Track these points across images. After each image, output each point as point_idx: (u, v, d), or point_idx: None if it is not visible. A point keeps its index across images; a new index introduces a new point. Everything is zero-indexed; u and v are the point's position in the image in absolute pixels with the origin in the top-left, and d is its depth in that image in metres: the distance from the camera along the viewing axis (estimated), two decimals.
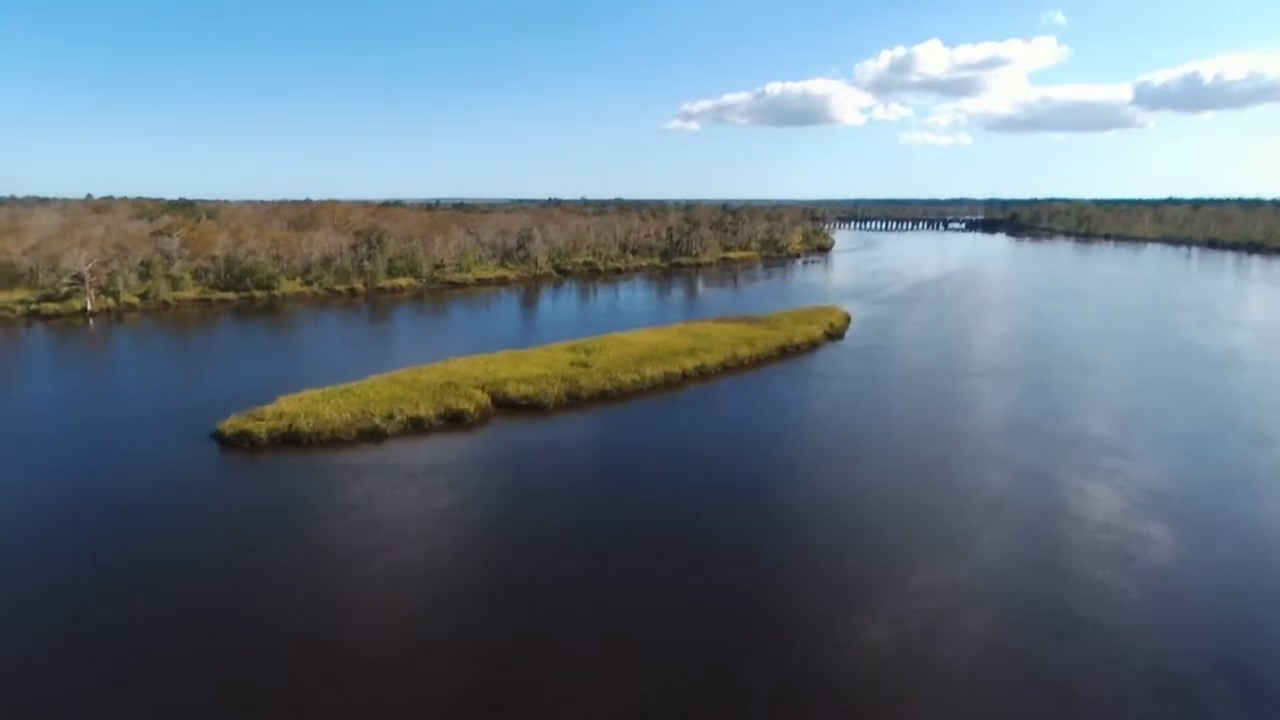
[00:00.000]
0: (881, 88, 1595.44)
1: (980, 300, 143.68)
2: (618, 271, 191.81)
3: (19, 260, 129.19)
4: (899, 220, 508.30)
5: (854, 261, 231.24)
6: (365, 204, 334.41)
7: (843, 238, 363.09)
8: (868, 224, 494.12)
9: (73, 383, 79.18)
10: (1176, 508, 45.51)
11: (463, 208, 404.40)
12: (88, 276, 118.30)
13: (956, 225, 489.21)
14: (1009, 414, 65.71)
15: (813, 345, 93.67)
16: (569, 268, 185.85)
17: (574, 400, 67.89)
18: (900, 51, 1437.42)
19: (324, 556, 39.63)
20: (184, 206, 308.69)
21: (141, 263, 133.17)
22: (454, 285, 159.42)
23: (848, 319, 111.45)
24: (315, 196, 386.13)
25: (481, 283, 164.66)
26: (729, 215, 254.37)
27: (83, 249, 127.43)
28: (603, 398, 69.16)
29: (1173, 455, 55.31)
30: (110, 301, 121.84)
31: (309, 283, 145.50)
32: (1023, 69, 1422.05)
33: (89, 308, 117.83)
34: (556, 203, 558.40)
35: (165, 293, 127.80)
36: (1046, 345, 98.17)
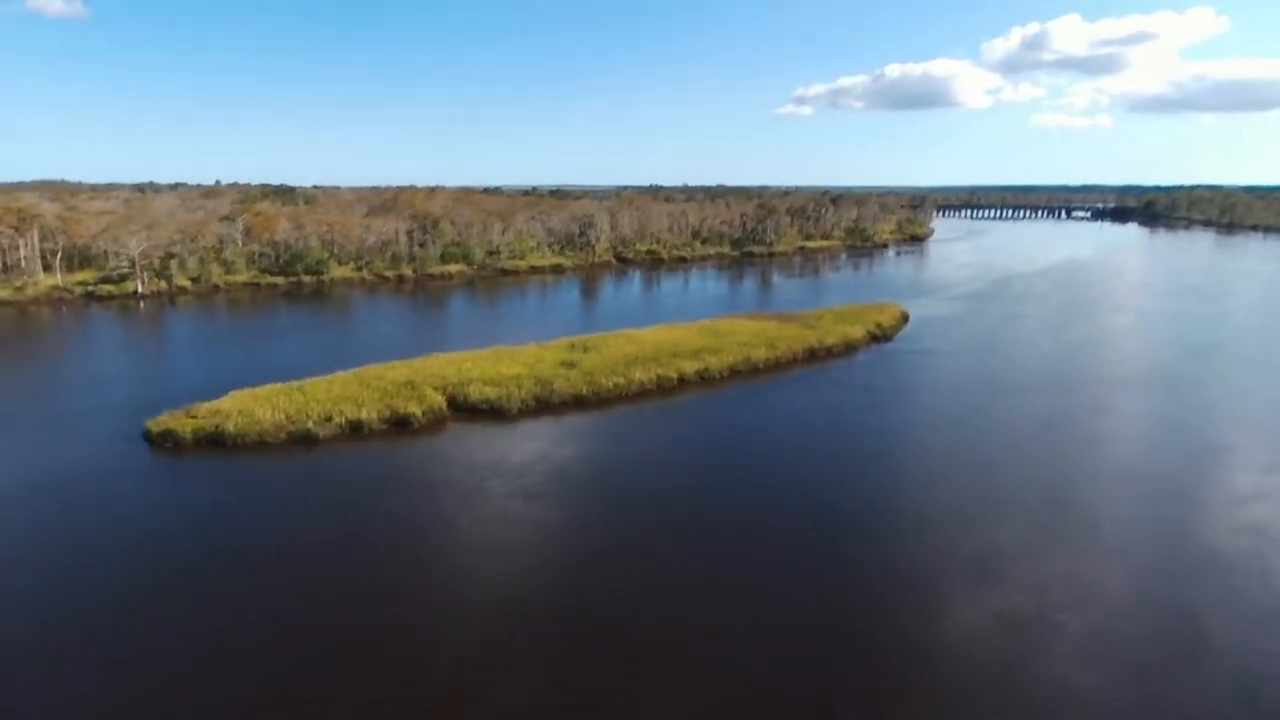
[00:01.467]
0: (1011, 67, 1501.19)
1: (1075, 298, 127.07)
2: (682, 260, 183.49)
3: (92, 244, 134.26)
4: (1017, 208, 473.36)
5: (948, 253, 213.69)
6: (463, 189, 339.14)
7: (948, 226, 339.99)
8: (982, 212, 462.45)
9: (60, 367, 79.23)
10: None
11: (559, 194, 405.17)
12: (138, 260, 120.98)
13: (1080, 214, 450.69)
14: (1044, 441, 54.30)
15: (849, 348, 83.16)
16: (630, 256, 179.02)
17: (544, 406, 61.25)
18: (1033, 28, 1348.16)
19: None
20: (284, 192, 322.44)
21: (206, 246, 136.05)
22: (506, 273, 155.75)
23: (903, 318, 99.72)
24: (428, 183, 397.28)
25: (535, 270, 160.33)
26: (810, 202, 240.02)
27: (147, 233, 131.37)
28: (577, 404, 62.20)
29: None
30: (163, 284, 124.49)
31: (359, 268, 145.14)
32: (1173, 43, 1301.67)
33: (139, 290, 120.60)
34: (657, 189, 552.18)
35: (217, 276, 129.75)
36: (1136, 355, 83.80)
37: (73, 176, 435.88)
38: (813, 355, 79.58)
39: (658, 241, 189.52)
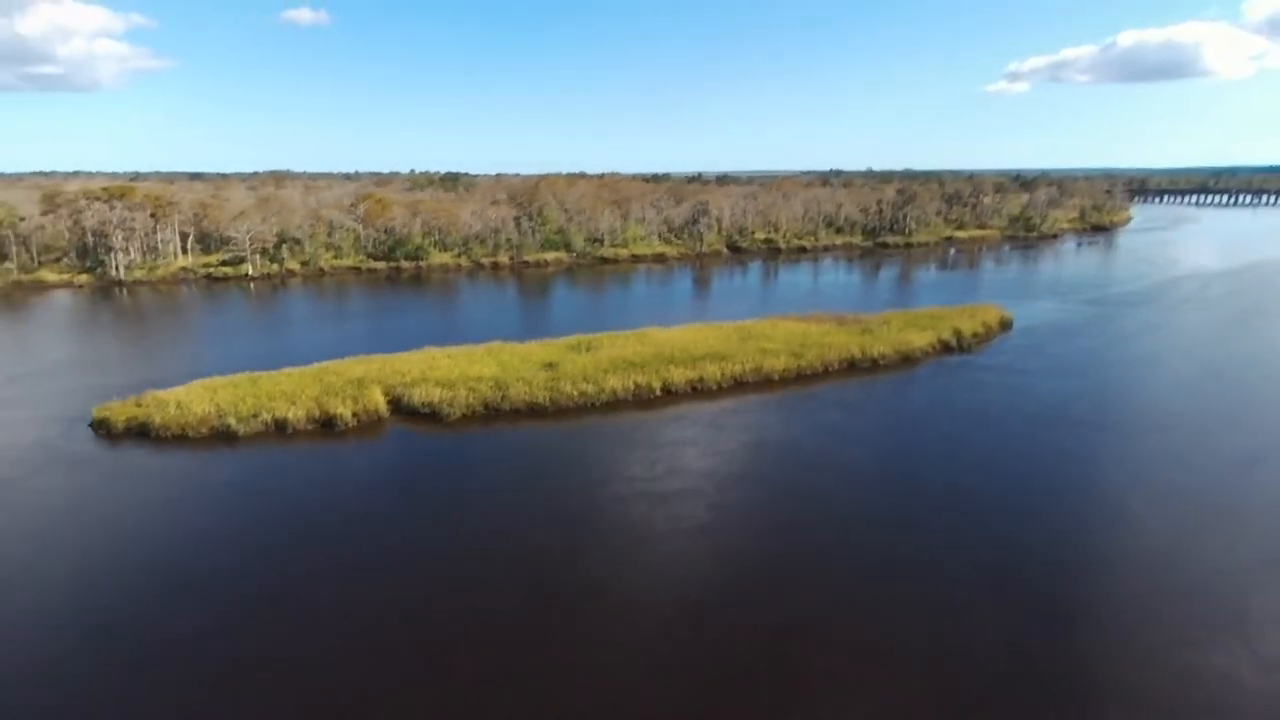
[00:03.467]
0: None
1: (1253, 308, 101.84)
2: (802, 250, 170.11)
3: (227, 229, 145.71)
4: (1261, 193, 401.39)
5: (1135, 244, 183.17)
6: (612, 176, 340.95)
7: (1155, 215, 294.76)
8: (1215, 198, 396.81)
9: (103, 344, 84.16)
10: None
11: (725, 180, 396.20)
12: (249, 245, 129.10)
13: None
14: (1097, 501, 40.84)
15: (904, 360, 70.32)
16: (744, 245, 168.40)
17: (493, 413, 55.72)
18: None
19: None
20: (450, 179, 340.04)
21: (318, 232, 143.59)
22: (605, 261, 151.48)
23: (1002, 325, 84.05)
24: (600, 169, 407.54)
25: (636, 259, 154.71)
26: (966, 186, 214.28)
27: (273, 219, 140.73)
28: (531, 413, 56.03)
29: None
30: (275, 268, 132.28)
31: (459, 255, 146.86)
32: None
33: (250, 273, 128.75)
34: (836, 174, 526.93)
35: (324, 261, 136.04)
36: None
37: (298, 166, 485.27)
38: (851, 366, 67.94)
39: (776, 230, 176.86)
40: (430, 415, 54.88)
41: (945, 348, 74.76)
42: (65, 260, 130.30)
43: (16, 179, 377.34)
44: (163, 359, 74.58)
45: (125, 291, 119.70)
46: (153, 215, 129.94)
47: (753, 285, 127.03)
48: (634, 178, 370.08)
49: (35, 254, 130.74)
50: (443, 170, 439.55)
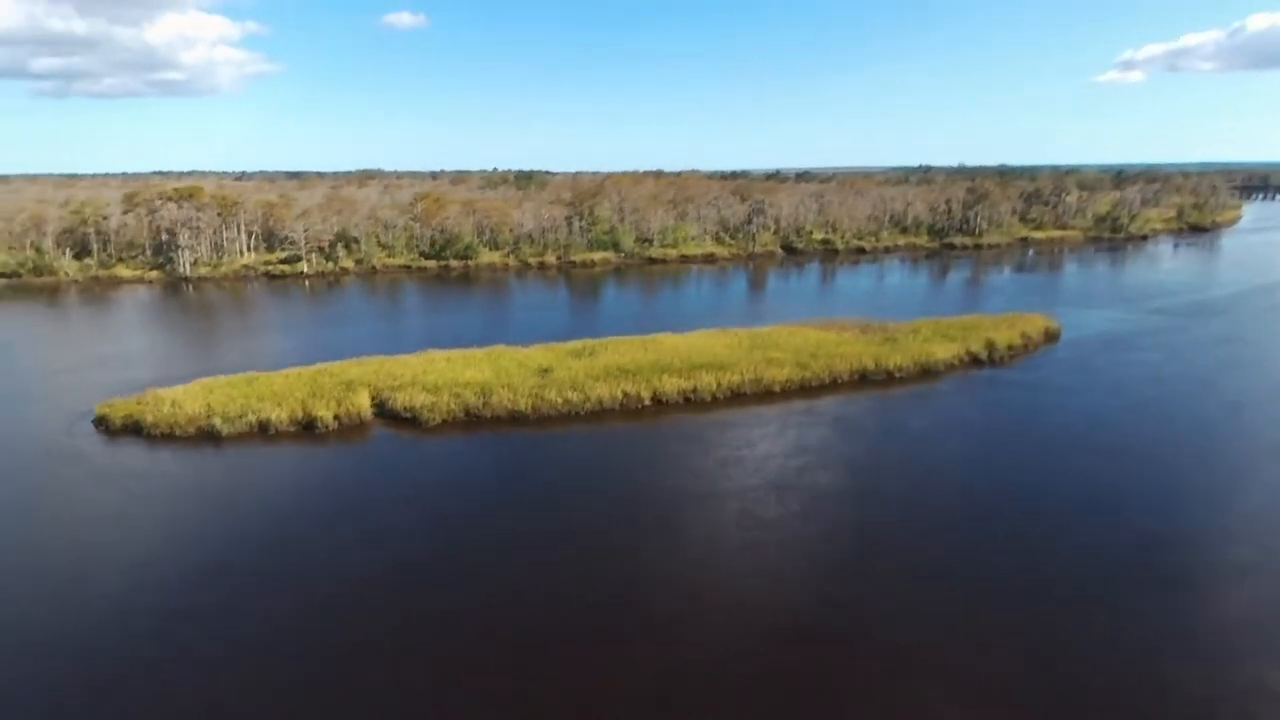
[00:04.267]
0: None
1: None
2: (861, 251, 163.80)
3: (291, 228, 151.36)
4: None
5: (1236, 247, 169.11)
6: (680, 174, 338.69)
7: (1272, 213, 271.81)
8: None
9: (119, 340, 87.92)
10: None
11: (803, 177, 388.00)
12: (304, 243, 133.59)
13: None
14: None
15: (924, 372, 66.06)
16: (799, 245, 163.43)
17: (473, 420, 55.14)
18: None
19: None
20: (522, 178, 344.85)
21: (371, 231, 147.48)
22: (653, 261, 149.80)
23: (1047, 336, 78.37)
24: (685, 167, 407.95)
25: (686, 260, 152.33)
26: (1048, 183, 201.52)
27: (334, 219, 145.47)
28: (512, 420, 55.16)
29: None
30: (331, 265, 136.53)
31: (508, 254, 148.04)
32: None
33: (305, 271, 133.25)
34: (926, 170, 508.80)
35: (376, 259, 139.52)
36: None
37: (389, 165, 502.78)
38: (863, 379, 64.29)
39: (834, 229, 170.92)
40: (411, 420, 54.77)
41: (973, 360, 69.93)
42: (140, 257, 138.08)
43: (135, 178, 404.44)
44: (195, 355, 77.50)
45: (191, 287, 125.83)
46: (219, 214, 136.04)
47: (795, 288, 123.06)
48: (710, 175, 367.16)
49: (114, 251, 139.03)
50: (526, 168, 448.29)
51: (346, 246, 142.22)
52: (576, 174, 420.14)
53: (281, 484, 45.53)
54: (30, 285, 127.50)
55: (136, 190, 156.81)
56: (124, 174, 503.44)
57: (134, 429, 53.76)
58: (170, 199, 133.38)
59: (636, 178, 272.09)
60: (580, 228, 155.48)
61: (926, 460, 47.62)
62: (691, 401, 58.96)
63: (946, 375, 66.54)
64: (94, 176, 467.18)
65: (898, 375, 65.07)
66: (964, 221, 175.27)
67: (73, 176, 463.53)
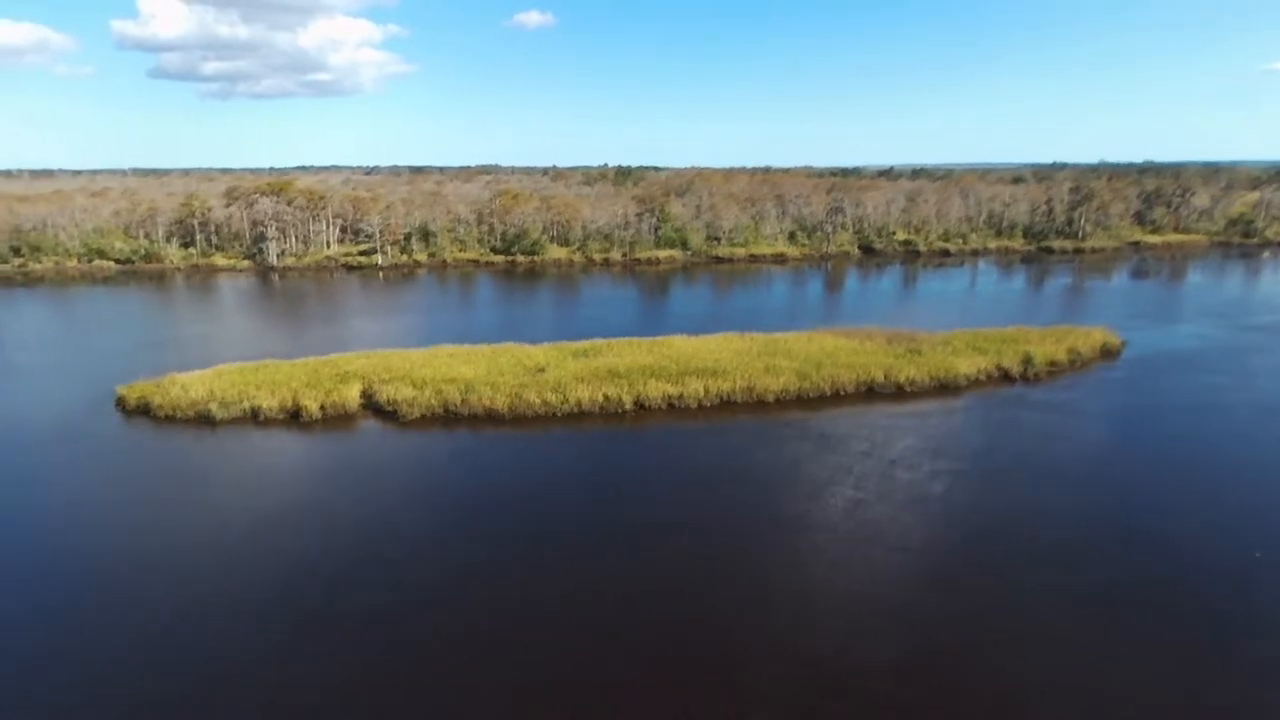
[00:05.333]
0: None
1: None
2: (946, 254, 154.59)
3: (368, 223, 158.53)
4: None
5: None
6: (783, 170, 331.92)
7: None
8: None
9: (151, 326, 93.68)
10: None
11: (918, 174, 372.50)
12: (379, 236, 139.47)
13: None
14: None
15: (941, 388, 61.45)
16: (879, 246, 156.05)
17: (451, 417, 55.66)
18: None
19: None
20: (621, 174, 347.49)
21: (444, 225, 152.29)
22: (720, 260, 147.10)
23: (1100, 351, 71.45)
24: (802, 163, 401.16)
25: (755, 259, 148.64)
26: (1171, 182, 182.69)
27: (416, 213, 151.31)
28: (489, 418, 55.28)
29: None
30: (405, 258, 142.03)
31: (575, 250, 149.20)
32: None
33: (380, 263, 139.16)
34: (1060, 167, 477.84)
35: (448, 253, 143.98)
36: None
37: (505, 161, 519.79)
38: (870, 391, 60.49)
39: (916, 231, 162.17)
40: (392, 414, 55.91)
41: (1003, 376, 64.44)
42: (237, 247, 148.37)
43: (282, 173, 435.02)
44: (240, 341, 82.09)
45: (277, 276, 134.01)
46: (306, 208, 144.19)
47: (854, 291, 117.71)
48: (819, 172, 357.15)
49: (214, 241, 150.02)
50: (640, 164, 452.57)
51: (424, 240, 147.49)
52: (678, 170, 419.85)
53: (221, 467, 47.43)
54: (141, 270, 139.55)
55: (236, 185, 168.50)
56: (270, 169, 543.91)
57: (144, 410, 57.48)
58: (263, 194, 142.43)
59: (729, 174, 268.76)
60: (651, 225, 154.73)
61: (871, 502, 44.10)
62: (676, 408, 57.23)
63: (967, 391, 61.59)
64: (253, 171, 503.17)
65: (909, 389, 60.81)
66: (1067, 223, 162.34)
67: (233, 171, 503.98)
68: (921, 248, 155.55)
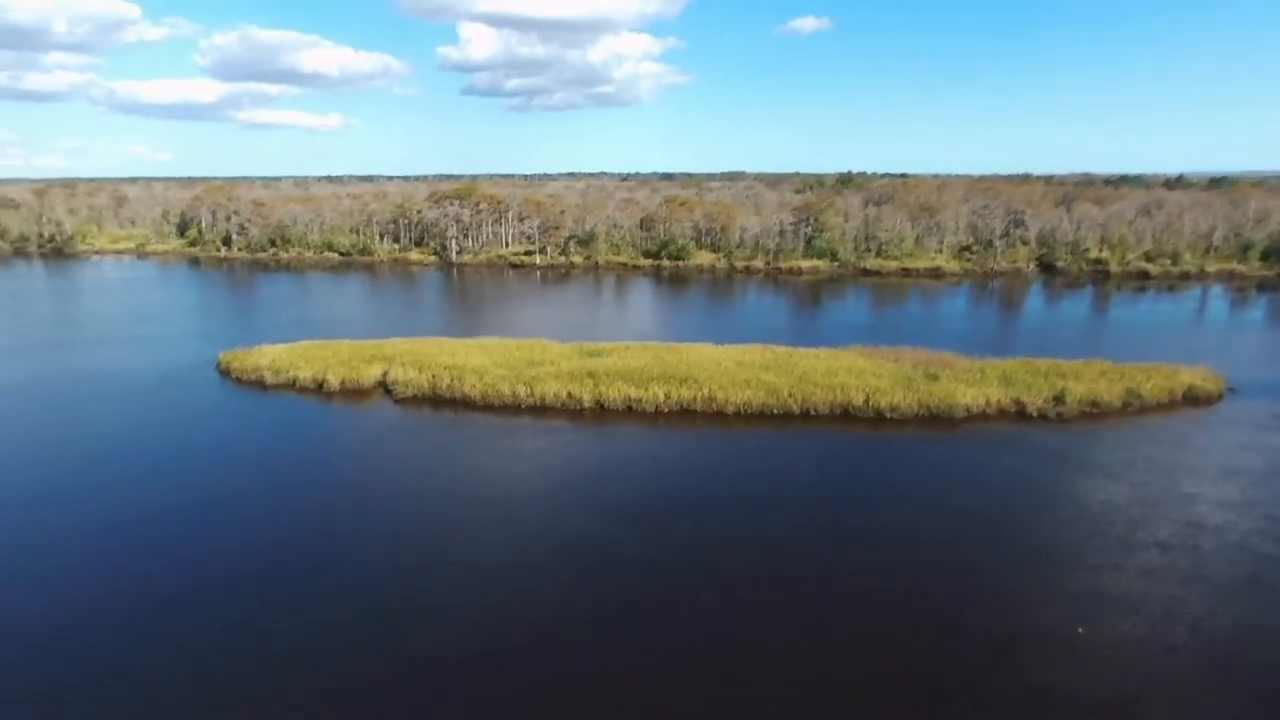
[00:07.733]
0: None
1: None
2: (1145, 276, 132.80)
3: (529, 226, 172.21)
4: None
5: None
6: (1005, 178, 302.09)
7: None
8: None
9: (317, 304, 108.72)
10: None
11: (1173, 184, 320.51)
12: (538, 238, 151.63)
13: None
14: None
15: (932, 419, 56.21)
16: (1061, 265, 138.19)
17: (435, 399, 62.25)
18: None
19: None
20: (842, 181, 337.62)
21: (599, 228, 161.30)
22: (867, 273, 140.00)
23: (1178, 396, 60.49)
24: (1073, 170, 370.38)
25: (906, 273, 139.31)
26: None
27: (587, 217, 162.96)
28: (464, 404, 61.04)
29: None
30: (563, 259, 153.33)
31: (721, 257, 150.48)
32: None
33: (538, 262, 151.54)
34: None
35: (602, 255, 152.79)
36: None
37: (752, 167, 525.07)
38: (845, 414, 57.25)
39: (1110, 248, 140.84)
40: (389, 391, 63.86)
41: (1019, 413, 57.23)
42: (431, 243, 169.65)
43: (573, 179, 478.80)
44: (364, 321, 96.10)
45: (455, 270, 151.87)
46: (483, 210, 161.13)
47: (991, 314, 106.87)
48: (1072, 180, 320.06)
49: (416, 237, 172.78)
50: (894, 171, 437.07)
51: (584, 243, 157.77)
52: (906, 176, 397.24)
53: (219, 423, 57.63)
54: (355, 262, 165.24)
55: (437, 189, 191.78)
56: (542, 174, 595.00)
57: (227, 373, 70.98)
58: (449, 198, 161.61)
59: (942, 181, 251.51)
60: (805, 234, 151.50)
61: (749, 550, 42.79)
62: (634, 411, 58.79)
63: (965, 425, 55.78)
64: (541, 177, 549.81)
65: (890, 416, 56.53)
66: None
67: (528, 177, 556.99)
68: (1113, 268, 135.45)
